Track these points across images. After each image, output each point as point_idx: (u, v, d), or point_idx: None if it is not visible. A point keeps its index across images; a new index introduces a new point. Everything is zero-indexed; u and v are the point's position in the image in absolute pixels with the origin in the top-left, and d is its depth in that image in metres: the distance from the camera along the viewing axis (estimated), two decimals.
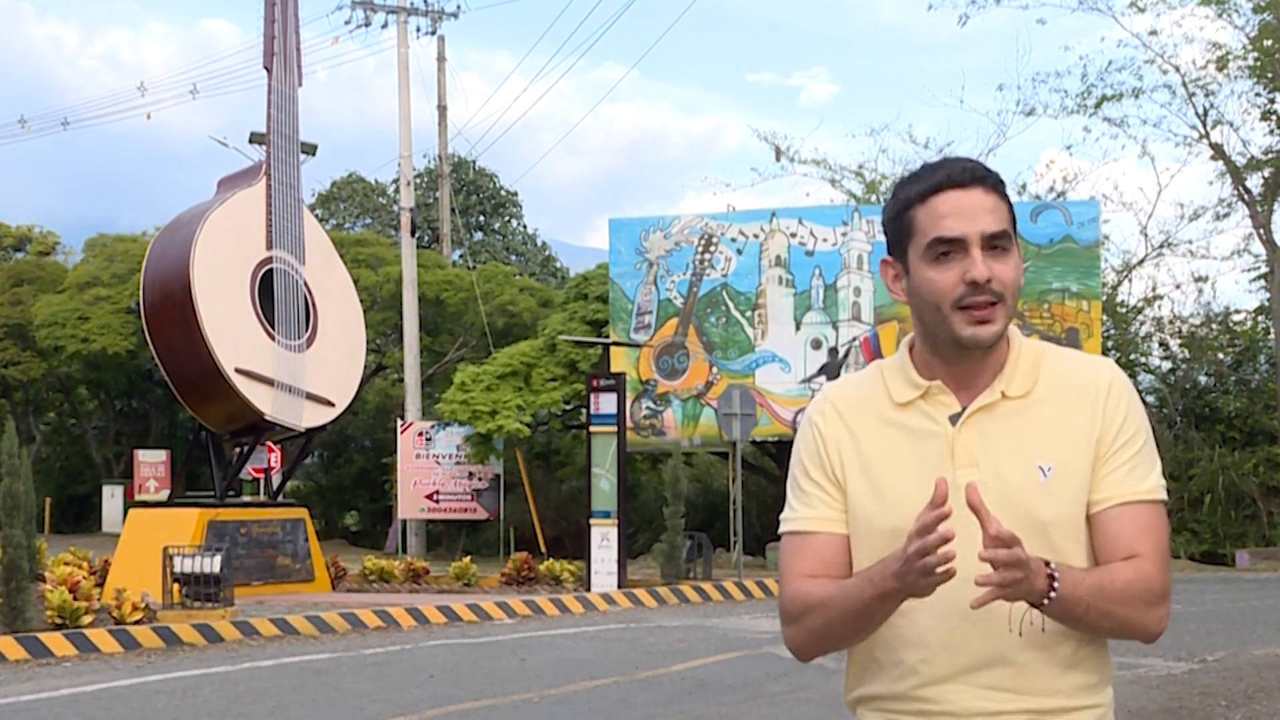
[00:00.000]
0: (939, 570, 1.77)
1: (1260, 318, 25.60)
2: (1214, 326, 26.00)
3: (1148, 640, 1.96)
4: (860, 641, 2.00)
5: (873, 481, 2.01)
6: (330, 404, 16.89)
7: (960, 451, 1.97)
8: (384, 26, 27.01)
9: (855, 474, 2.02)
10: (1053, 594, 1.82)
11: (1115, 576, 1.89)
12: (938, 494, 1.77)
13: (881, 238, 2.11)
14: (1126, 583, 1.88)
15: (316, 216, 24.87)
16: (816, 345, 21.09)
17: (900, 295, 2.04)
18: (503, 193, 42.31)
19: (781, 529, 2.10)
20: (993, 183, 1.99)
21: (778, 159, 28.32)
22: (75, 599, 12.17)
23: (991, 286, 1.94)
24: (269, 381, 15.85)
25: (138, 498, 26.43)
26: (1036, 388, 2.00)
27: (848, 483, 2.03)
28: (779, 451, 22.29)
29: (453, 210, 32.00)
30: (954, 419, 1.99)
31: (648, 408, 21.32)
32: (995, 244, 1.95)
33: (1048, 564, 1.82)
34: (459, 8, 28.17)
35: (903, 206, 2.01)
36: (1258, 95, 24.05)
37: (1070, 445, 1.96)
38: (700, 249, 21.53)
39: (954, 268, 1.95)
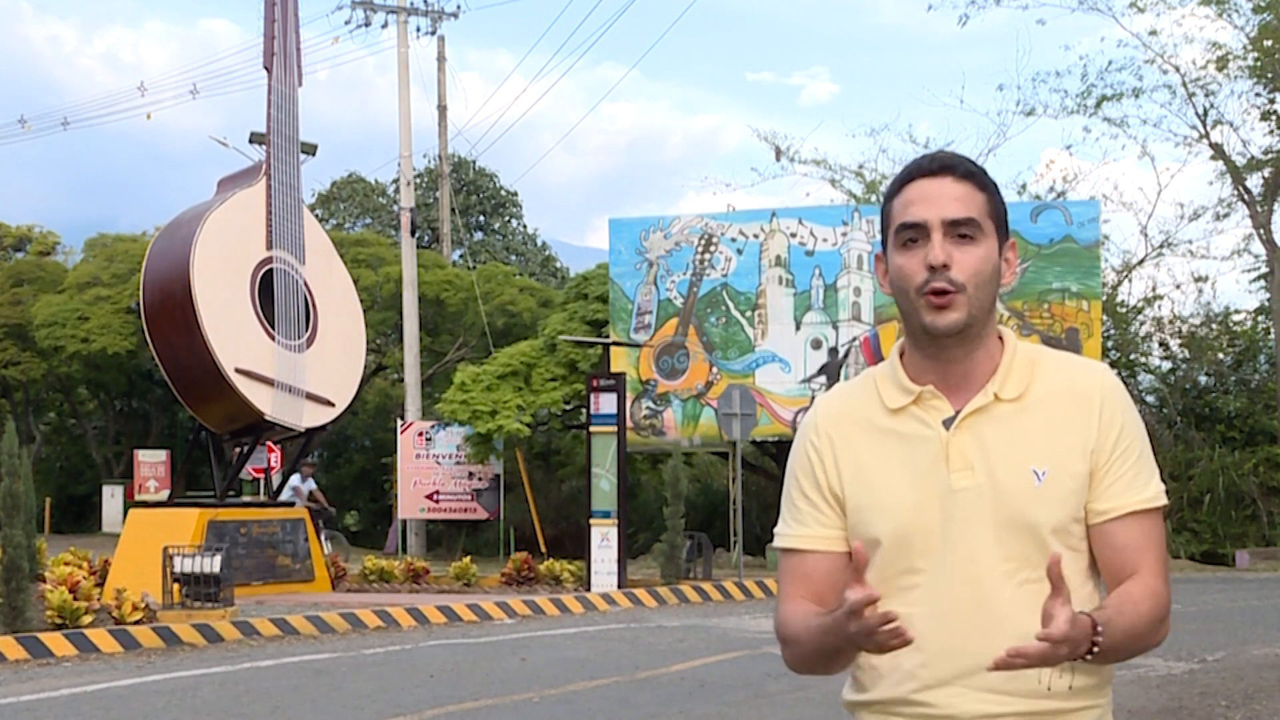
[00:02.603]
0: (894, 642, 1.79)
1: (1260, 318, 25.59)
2: (1214, 326, 25.99)
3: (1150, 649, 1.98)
4: (845, 669, 2.02)
5: (867, 489, 2.01)
6: (330, 404, 16.88)
7: (954, 455, 1.96)
8: (384, 26, 27.05)
9: (851, 484, 2.02)
10: (1093, 653, 1.82)
11: (1140, 611, 1.89)
12: (858, 560, 1.80)
13: (880, 233, 2.11)
14: (1149, 614, 1.90)
15: (316, 216, 24.86)
16: (816, 345, 21.09)
17: (887, 289, 2.05)
18: (503, 193, 42.32)
19: (775, 543, 2.13)
20: (963, 172, 1.98)
21: (778, 159, 28.33)
22: (75, 599, 12.17)
23: (950, 274, 1.93)
24: (269, 381, 15.84)
25: (138, 498, 26.43)
26: (1031, 390, 1.99)
27: (845, 493, 2.03)
28: (779, 451, 22.28)
29: (453, 210, 32.00)
30: (947, 423, 1.99)
31: (648, 408, 21.32)
32: (961, 232, 1.95)
33: (1095, 626, 1.81)
34: (459, 8, 28.21)
35: (885, 199, 2.04)
36: (1258, 95, 24.06)
37: (1065, 450, 1.95)
38: (700, 249, 21.53)
39: (918, 254, 1.95)
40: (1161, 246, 26.64)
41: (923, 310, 1.95)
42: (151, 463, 29.24)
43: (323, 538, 20.48)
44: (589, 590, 16.11)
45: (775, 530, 2.13)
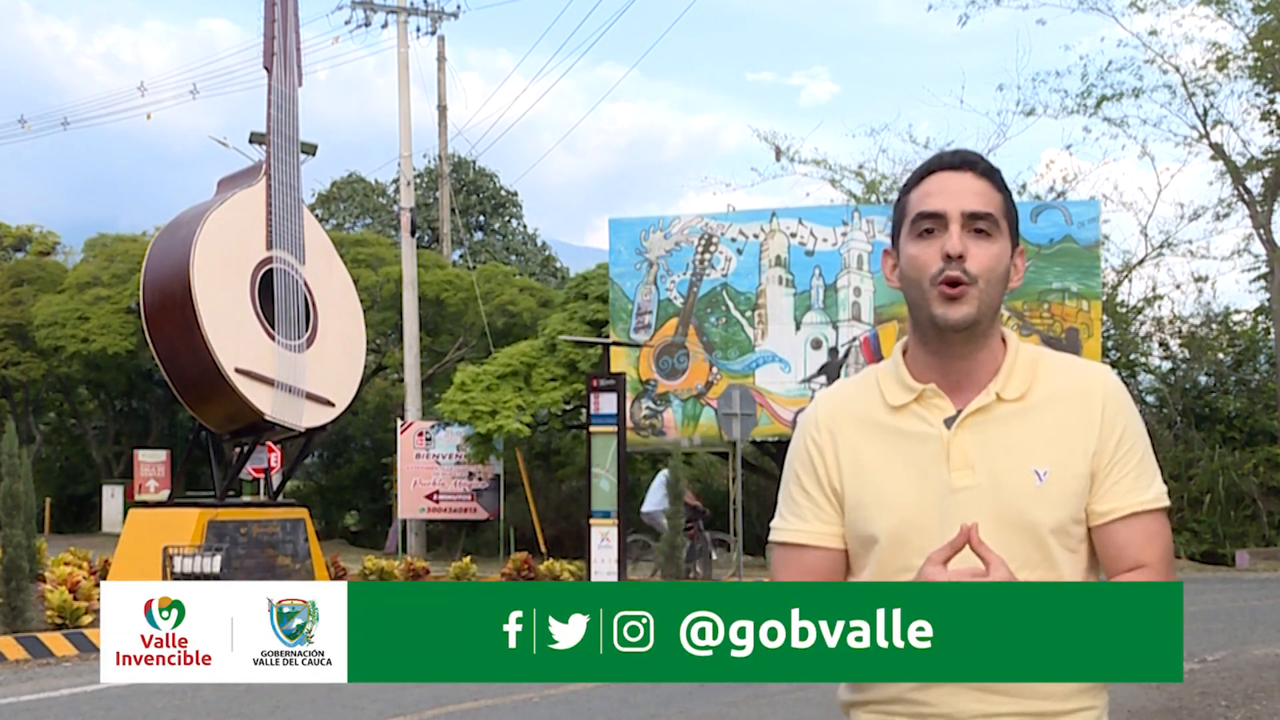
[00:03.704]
0: None
1: (1260, 318, 25.60)
2: (1214, 326, 25.99)
3: None
4: None
5: (867, 486, 2.00)
6: (330, 404, 16.87)
7: (955, 454, 1.96)
8: (384, 26, 27.02)
9: (851, 480, 2.02)
10: None
11: None
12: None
13: (881, 237, 2.13)
14: None
15: (316, 216, 24.85)
16: (816, 345, 21.09)
17: (895, 283, 2.05)
18: (503, 193, 42.31)
19: (772, 537, 2.12)
20: (983, 169, 2.00)
21: (778, 159, 28.37)
22: (75, 599, 12.18)
23: (966, 266, 1.93)
24: (269, 381, 15.83)
25: (138, 498, 26.43)
26: (1033, 391, 1.99)
27: (845, 490, 2.02)
28: (779, 451, 22.27)
29: (453, 210, 32.00)
30: (949, 422, 1.99)
31: (648, 408, 21.32)
32: (978, 227, 1.96)
33: None
34: (459, 8, 28.21)
35: (901, 194, 2.05)
36: (1258, 95, 24.07)
37: (1067, 451, 1.96)
38: (700, 249, 21.53)
39: (935, 244, 1.96)
40: (1161, 246, 26.68)
41: (934, 301, 1.95)
42: (151, 463, 29.23)
43: (709, 540, 19.20)
44: None
45: (772, 524, 2.12)
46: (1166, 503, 2.00)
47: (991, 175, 2.00)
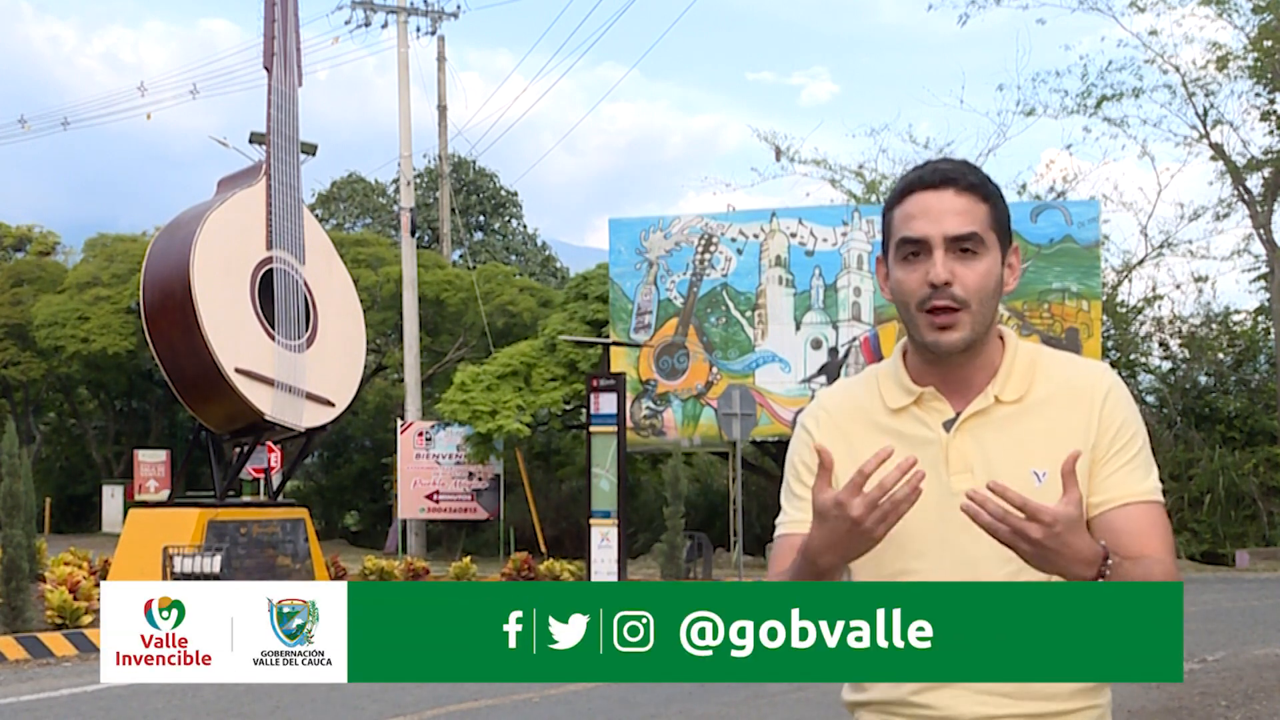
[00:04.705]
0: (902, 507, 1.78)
1: (1260, 318, 25.60)
2: (1214, 326, 26.00)
3: None
4: None
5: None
6: (330, 404, 16.87)
7: (954, 458, 1.96)
8: (384, 26, 27.05)
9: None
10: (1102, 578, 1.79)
11: (1152, 573, 1.88)
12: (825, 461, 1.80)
13: (880, 237, 2.11)
14: (1160, 579, 1.88)
15: (316, 216, 24.85)
16: (816, 345, 21.09)
17: (888, 295, 2.05)
18: (503, 193, 42.32)
19: (776, 531, 2.12)
20: (966, 184, 1.96)
21: (778, 159, 28.38)
22: (75, 599, 12.18)
23: (952, 291, 1.92)
24: (269, 381, 15.83)
25: (138, 498, 26.44)
26: (1032, 392, 1.99)
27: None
28: (779, 451, 22.28)
29: (453, 210, 32.01)
30: (948, 425, 1.98)
31: (648, 408, 21.32)
32: (963, 247, 1.93)
33: (1106, 556, 1.80)
34: (459, 8, 28.23)
35: (886, 208, 2.03)
36: (1258, 95, 24.07)
37: (1065, 450, 1.92)
38: (700, 249, 21.53)
39: (919, 268, 1.94)
40: (1161, 246, 26.68)
41: (924, 329, 1.95)
42: (151, 463, 29.24)
43: None
44: None
45: (776, 521, 2.12)
46: (1160, 497, 1.99)
47: (975, 189, 1.96)
